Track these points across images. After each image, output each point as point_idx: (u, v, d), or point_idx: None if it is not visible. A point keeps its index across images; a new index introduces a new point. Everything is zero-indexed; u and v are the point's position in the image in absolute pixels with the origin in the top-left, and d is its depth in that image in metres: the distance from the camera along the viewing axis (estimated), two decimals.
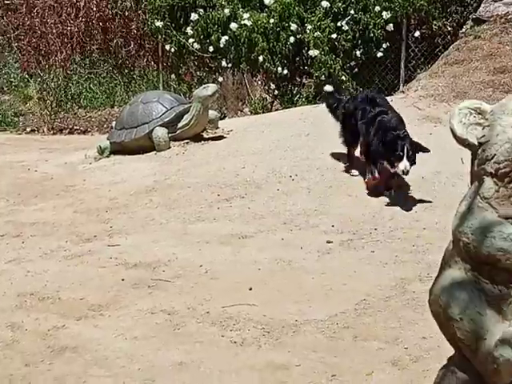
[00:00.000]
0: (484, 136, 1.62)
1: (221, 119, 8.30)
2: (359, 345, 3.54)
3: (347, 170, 6.15)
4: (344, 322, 3.76)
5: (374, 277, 4.33)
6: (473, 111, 1.65)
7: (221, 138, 7.37)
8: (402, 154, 5.26)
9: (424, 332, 3.50)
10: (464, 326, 1.59)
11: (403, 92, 7.99)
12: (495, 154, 1.60)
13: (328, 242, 4.90)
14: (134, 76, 11.12)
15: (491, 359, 1.55)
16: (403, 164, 5.25)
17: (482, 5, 8.54)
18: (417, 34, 9.07)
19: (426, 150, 5.39)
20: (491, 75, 7.10)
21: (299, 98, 9.57)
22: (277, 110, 9.45)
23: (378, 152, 5.52)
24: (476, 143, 1.64)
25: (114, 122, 8.26)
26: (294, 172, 6.26)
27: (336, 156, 6.39)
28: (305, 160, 6.49)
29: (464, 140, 1.66)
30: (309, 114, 7.81)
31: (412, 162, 5.30)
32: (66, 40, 11.12)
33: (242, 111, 10.84)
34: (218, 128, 7.58)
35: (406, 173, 5.30)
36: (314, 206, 5.60)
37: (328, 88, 7.19)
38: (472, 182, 1.67)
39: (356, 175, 6.04)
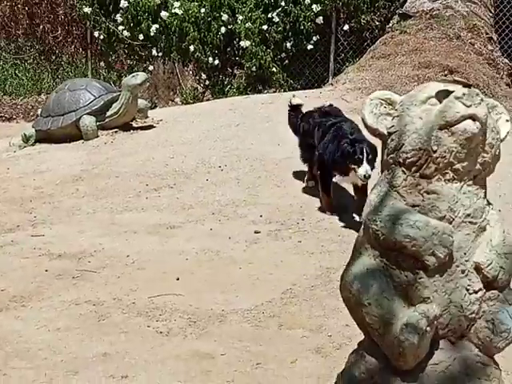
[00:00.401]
0: (393, 126, 1.67)
1: (151, 109, 8.22)
2: (284, 333, 3.58)
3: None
4: (270, 311, 3.80)
5: (301, 266, 4.38)
6: (383, 102, 1.70)
7: (150, 127, 7.30)
8: (361, 157, 4.84)
9: (347, 320, 3.54)
10: (372, 311, 1.65)
11: (332, 84, 8.11)
12: (403, 144, 1.65)
13: (256, 232, 4.93)
14: (62, 63, 10.86)
15: (397, 343, 1.61)
16: (364, 168, 4.80)
17: (409, 0, 8.74)
18: (346, 27, 9.22)
19: None
20: (416, 70, 7.28)
21: (230, 88, 9.59)
22: (208, 100, 9.44)
23: (334, 161, 5.05)
24: (386, 133, 1.69)
25: (40, 110, 8.07)
26: (223, 162, 6.26)
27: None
28: (234, 150, 6.51)
29: (374, 130, 1.71)
30: (239, 105, 7.83)
31: (372, 166, 4.86)
32: None
33: (173, 101, 10.76)
34: (147, 117, 7.51)
35: (368, 177, 4.81)
36: (242, 196, 5.62)
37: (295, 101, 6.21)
38: (382, 171, 1.72)
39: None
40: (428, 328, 1.59)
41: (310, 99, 7.75)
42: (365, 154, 4.85)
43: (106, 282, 4.16)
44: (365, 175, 4.83)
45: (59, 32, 10.88)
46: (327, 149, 5.19)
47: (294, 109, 6.08)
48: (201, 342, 3.48)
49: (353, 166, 4.92)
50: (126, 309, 3.81)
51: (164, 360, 3.29)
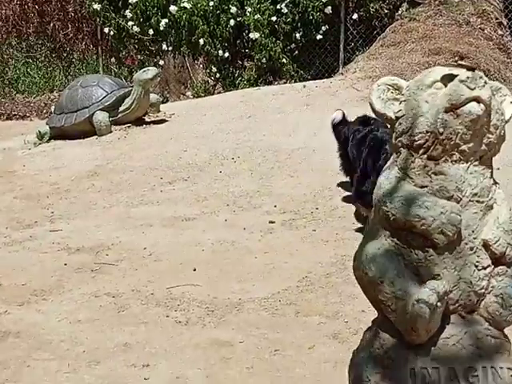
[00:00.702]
0: (400, 110, 1.73)
1: (163, 103, 8.27)
2: (301, 320, 3.63)
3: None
4: (286, 299, 3.85)
5: (315, 254, 4.43)
6: (390, 87, 1.76)
7: (163, 121, 7.36)
8: None
9: (363, 306, 3.60)
10: (385, 288, 1.71)
11: (342, 74, 8.13)
12: (411, 127, 1.71)
13: (270, 222, 4.98)
14: (73, 60, 10.94)
15: (409, 318, 1.67)
16: None
17: None
18: (355, 16, 9.20)
19: None
20: (426, 57, 7.28)
21: (241, 80, 9.61)
22: (219, 93, 9.48)
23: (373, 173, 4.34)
24: (393, 117, 1.74)
25: (54, 107, 8.15)
26: (236, 154, 6.31)
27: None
28: (246, 142, 6.55)
29: (382, 114, 1.76)
30: (250, 97, 7.87)
31: None
32: (0, 23, 10.84)
33: (184, 95, 10.82)
34: (159, 112, 7.56)
35: None
36: (256, 187, 5.67)
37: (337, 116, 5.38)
38: (392, 154, 1.78)
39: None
40: (439, 303, 1.65)
41: (320, 89, 7.79)
42: None
43: (124, 274, 4.23)
44: None
45: (69, 29, 10.95)
46: (365, 161, 4.61)
47: (339, 124, 5.33)
48: (219, 330, 3.54)
49: None
50: (144, 300, 3.87)
51: (183, 348, 3.35)
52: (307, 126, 6.75)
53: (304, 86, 7.92)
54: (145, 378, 3.11)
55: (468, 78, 1.68)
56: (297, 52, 9.42)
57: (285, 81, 9.33)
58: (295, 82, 8.96)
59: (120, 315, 3.72)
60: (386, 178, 1.74)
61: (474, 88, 1.69)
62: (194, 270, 4.25)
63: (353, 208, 5.08)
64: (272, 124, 6.93)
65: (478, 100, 1.70)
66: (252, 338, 3.45)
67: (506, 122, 1.78)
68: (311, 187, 5.60)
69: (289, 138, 6.56)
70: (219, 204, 5.38)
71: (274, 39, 9.17)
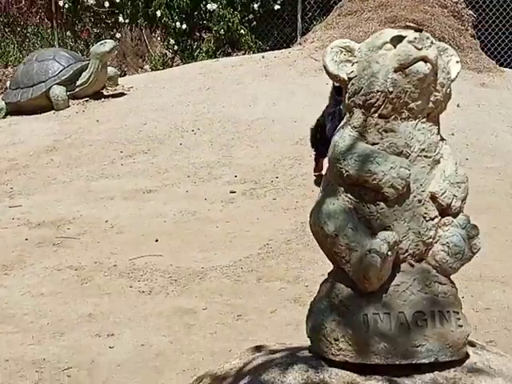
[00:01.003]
0: (353, 71, 1.80)
1: (120, 76, 8.19)
2: (263, 286, 3.70)
3: None
4: (248, 266, 3.91)
5: (276, 222, 4.49)
6: (343, 49, 1.82)
7: (121, 94, 7.31)
8: None
9: (323, 270, 3.62)
10: (339, 241, 1.80)
11: (300, 44, 8.14)
12: (362, 88, 1.78)
13: (231, 192, 5.02)
14: (28, 34, 10.71)
15: (362, 267, 1.75)
16: None
17: None
18: None
19: None
20: (382, 25, 7.31)
21: (199, 52, 9.57)
22: (177, 65, 9.41)
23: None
24: (346, 78, 1.80)
25: (9, 82, 8.01)
26: (195, 126, 6.32)
27: None
28: (206, 114, 6.56)
29: (335, 76, 1.82)
30: (209, 69, 7.85)
31: None
32: None
33: (142, 68, 10.70)
34: (117, 85, 7.50)
35: None
36: (216, 158, 5.69)
37: None
38: (345, 114, 1.83)
39: None
40: (389, 252, 1.74)
41: (279, 60, 7.81)
42: None
43: (87, 247, 4.23)
44: None
45: (23, 3, 10.71)
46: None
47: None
48: (182, 298, 3.58)
49: None
50: (107, 271, 3.89)
51: (147, 317, 3.39)
52: (266, 97, 6.78)
53: (262, 57, 7.92)
54: (109, 347, 3.15)
55: (415, 38, 1.76)
56: (255, 23, 9.40)
57: (243, 52, 9.31)
58: (254, 53, 8.95)
59: (83, 287, 3.74)
60: (340, 137, 1.82)
61: (422, 48, 1.76)
62: (156, 240, 4.28)
63: (312, 176, 5.15)
64: (231, 95, 6.94)
65: (425, 59, 1.77)
66: (215, 304, 3.51)
67: (452, 80, 1.86)
68: (271, 157, 5.66)
69: (248, 109, 6.59)
70: (180, 176, 5.39)
71: (231, 10, 9.13)
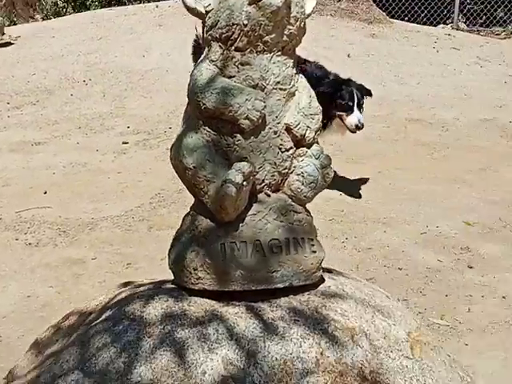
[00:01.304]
0: (210, 5, 1.81)
1: (8, 26, 7.83)
2: (154, 234, 3.70)
3: None
4: (139, 216, 3.89)
5: (168, 172, 4.36)
6: None
7: (8, 44, 6.99)
8: (351, 103, 3.90)
9: None
10: (197, 173, 1.83)
11: None
12: (218, 21, 1.81)
13: (124, 143, 4.95)
14: None
15: (219, 197, 1.79)
16: (355, 117, 3.88)
17: None
18: None
19: (369, 93, 4.05)
20: None
21: (92, 1, 9.26)
22: (70, 14, 9.09)
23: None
24: (204, 12, 1.80)
25: None
26: (87, 76, 6.15)
27: None
28: (98, 64, 6.39)
29: (193, 9, 1.83)
30: (102, 18, 7.63)
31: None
32: None
33: (33, 18, 10.28)
34: (3, 34, 7.17)
35: (361, 127, 3.88)
36: (109, 109, 5.58)
37: None
38: (204, 48, 1.84)
39: None
40: (244, 182, 1.79)
41: (173, 9, 7.67)
42: (355, 98, 3.90)
43: None
44: (357, 125, 3.88)
45: None
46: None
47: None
48: (71, 249, 3.54)
49: (339, 114, 3.93)
50: None
51: (34, 269, 3.33)
52: (160, 47, 6.67)
53: (157, 6, 7.77)
54: None
55: None
56: None
57: (138, 1, 9.09)
58: (148, 2, 8.75)
59: None
60: (198, 71, 1.84)
61: None
62: (45, 192, 4.18)
63: None
64: (124, 45, 6.79)
65: None
66: (105, 254, 3.48)
67: (307, 16, 1.89)
68: (165, 107, 5.60)
69: (142, 59, 6.47)
70: (71, 127, 5.26)
71: None
